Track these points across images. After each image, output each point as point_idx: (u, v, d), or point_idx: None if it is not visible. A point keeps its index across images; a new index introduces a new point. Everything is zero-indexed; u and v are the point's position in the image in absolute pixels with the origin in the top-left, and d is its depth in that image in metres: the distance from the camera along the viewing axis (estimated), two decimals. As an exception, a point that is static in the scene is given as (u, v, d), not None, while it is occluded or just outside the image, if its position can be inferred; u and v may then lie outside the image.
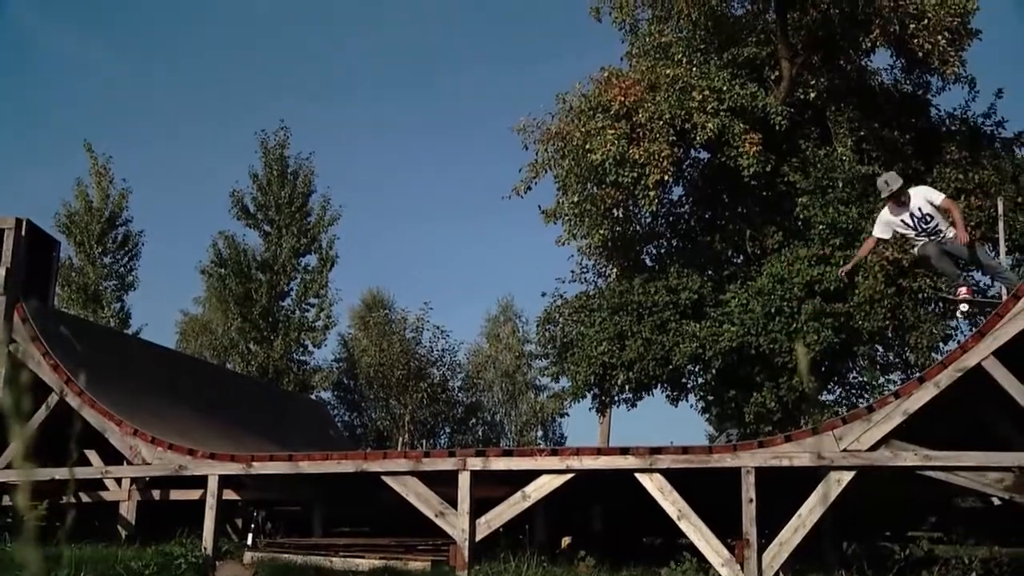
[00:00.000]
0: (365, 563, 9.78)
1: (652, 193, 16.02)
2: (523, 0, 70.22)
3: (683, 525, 9.12)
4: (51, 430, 10.49)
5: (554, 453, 9.97)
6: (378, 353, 34.72)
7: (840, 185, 16.34)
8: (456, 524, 9.67)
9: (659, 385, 18.05)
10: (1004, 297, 9.77)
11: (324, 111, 68.42)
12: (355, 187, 65.15)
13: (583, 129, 16.31)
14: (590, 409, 19.42)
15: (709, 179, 18.64)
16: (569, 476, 9.56)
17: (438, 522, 9.82)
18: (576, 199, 17.28)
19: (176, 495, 12.43)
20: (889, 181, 9.94)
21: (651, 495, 9.29)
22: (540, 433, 41.27)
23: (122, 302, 32.24)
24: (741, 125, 15.84)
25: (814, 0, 16.96)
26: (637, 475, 9.34)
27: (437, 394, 36.02)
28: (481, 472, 9.88)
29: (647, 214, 18.90)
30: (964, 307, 10.42)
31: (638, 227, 19.33)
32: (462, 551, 9.53)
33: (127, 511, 12.72)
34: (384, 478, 10.16)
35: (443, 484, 9.90)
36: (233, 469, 10.82)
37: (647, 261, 19.55)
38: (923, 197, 9.79)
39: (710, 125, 15.64)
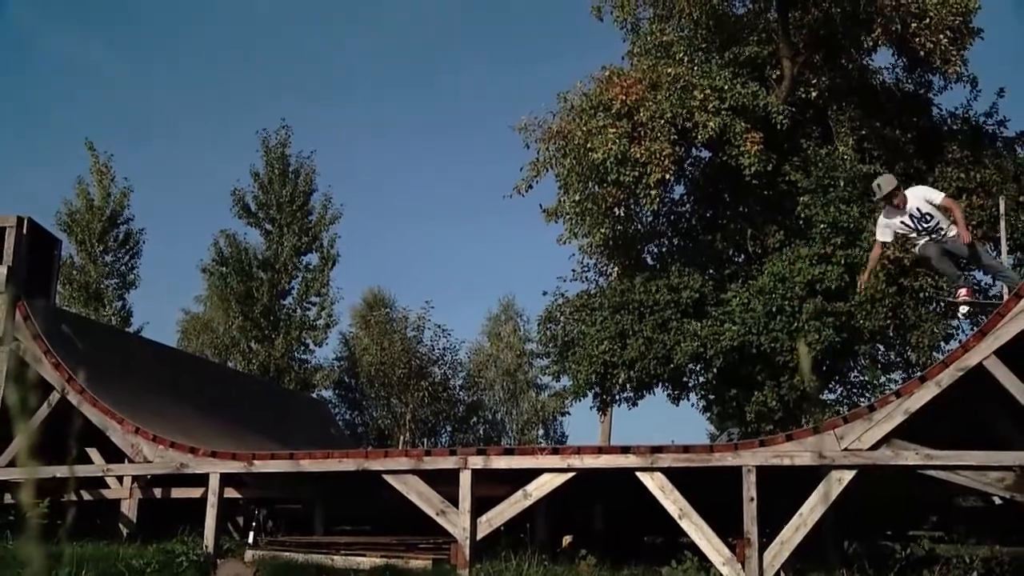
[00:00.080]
0: (366, 561, 9.78)
1: (653, 192, 16.02)
2: (523, 0, 70.34)
3: (684, 524, 9.13)
4: (52, 428, 10.49)
5: (555, 452, 9.97)
6: (379, 352, 34.73)
7: (841, 184, 16.33)
8: (457, 523, 9.67)
9: (660, 384, 18.05)
10: (1005, 297, 9.76)
11: (324, 111, 68.54)
12: (355, 187, 65.34)
13: (584, 128, 16.31)
14: (591, 408, 19.44)
15: (710, 178, 18.64)
16: (570, 475, 9.56)
17: (439, 521, 9.82)
18: (577, 198, 17.28)
19: (177, 493, 12.44)
20: (881, 184, 9.97)
21: (652, 494, 9.29)
22: (541, 432, 41.28)
23: (123, 300, 32.28)
24: (742, 124, 15.83)
25: (815, -1, 16.97)
26: (638, 474, 9.34)
27: (438, 393, 36.04)
28: (482, 471, 9.89)
29: (648, 213, 18.91)
30: (964, 308, 10.43)
31: (639, 226, 19.33)
32: (463, 549, 9.54)
33: (128, 509, 12.74)
34: (385, 477, 10.16)
35: (444, 483, 9.91)
36: (234, 467, 10.83)
37: (648, 260, 19.55)
38: (921, 197, 9.78)
39: (711, 124, 15.63)
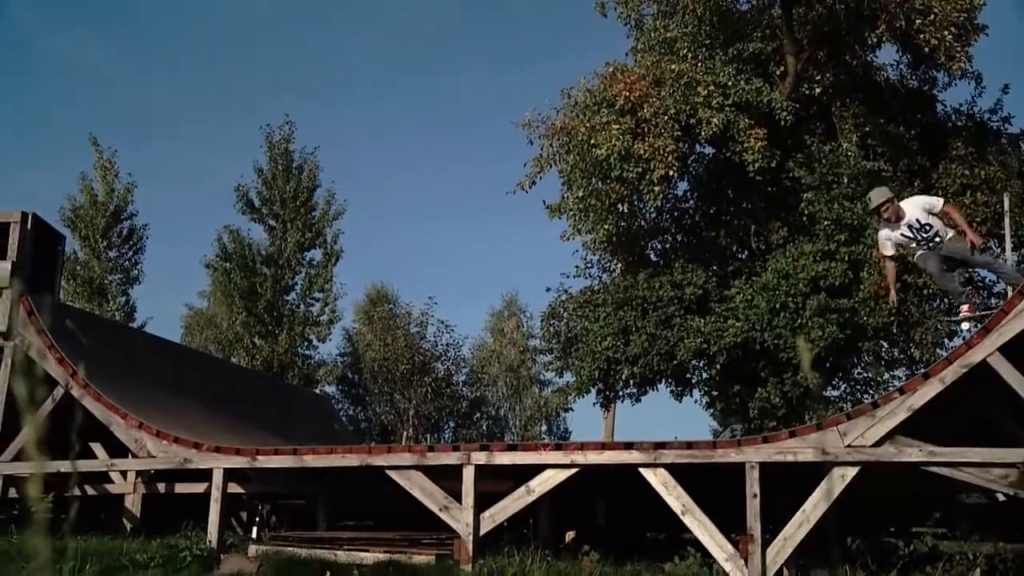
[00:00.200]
0: (370, 557, 9.79)
1: (657, 188, 16.01)
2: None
3: (687, 520, 9.13)
4: (56, 423, 10.51)
5: (558, 448, 9.97)
6: (382, 347, 34.77)
7: (845, 181, 16.32)
8: (460, 518, 9.68)
9: (663, 380, 18.06)
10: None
11: (324, 111, 68.62)
12: (356, 187, 65.55)
13: (588, 124, 16.31)
14: (594, 404, 19.46)
15: (714, 174, 18.63)
16: (573, 471, 9.56)
17: (442, 516, 9.83)
18: (581, 194, 17.27)
19: (181, 488, 12.46)
20: (872, 197, 10.04)
21: (655, 490, 9.29)
22: (544, 428, 41.33)
23: (127, 296, 32.34)
24: (746, 120, 15.82)
25: (820, -5, 16.94)
26: (641, 470, 9.34)
27: (441, 388, 36.08)
28: (485, 466, 9.89)
29: (652, 209, 18.91)
30: (966, 325, 10.39)
31: (643, 222, 19.32)
32: (466, 545, 9.55)
33: (132, 504, 12.75)
34: (388, 472, 10.17)
35: (447, 478, 9.91)
36: (238, 463, 10.84)
37: (652, 256, 19.55)
38: (919, 207, 9.77)
39: (715, 120, 15.62)
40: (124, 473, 12.71)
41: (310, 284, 32.54)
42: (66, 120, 65.85)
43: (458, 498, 9.77)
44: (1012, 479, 8.68)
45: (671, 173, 16.13)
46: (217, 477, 10.78)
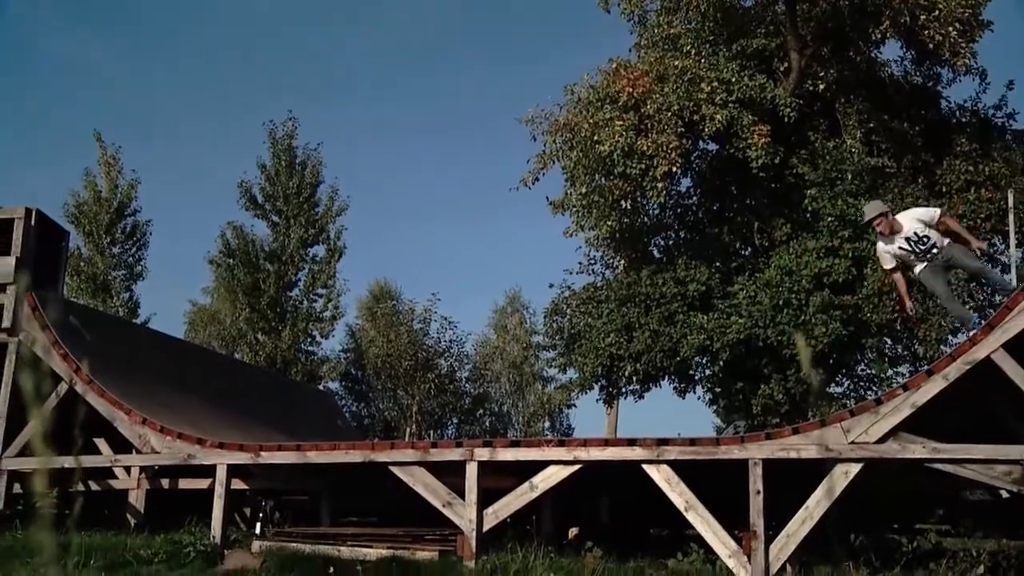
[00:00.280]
0: (373, 552, 9.81)
1: (660, 185, 15.98)
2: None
3: (690, 516, 9.13)
4: (61, 419, 10.53)
5: (561, 444, 9.98)
6: (386, 344, 34.80)
7: (849, 177, 16.29)
8: (463, 514, 9.69)
9: (666, 377, 18.04)
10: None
11: (324, 111, 68.68)
12: (357, 185, 65.59)
13: (591, 120, 16.27)
14: (597, 400, 19.44)
15: (717, 171, 18.60)
16: (576, 467, 9.57)
17: (445, 512, 9.85)
18: (584, 190, 17.25)
19: (185, 484, 12.49)
20: (865, 211, 10.13)
21: (658, 486, 9.29)
22: (547, 424, 41.34)
23: (131, 292, 32.38)
24: (750, 117, 15.78)
25: (824, -9, 16.89)
26: (644, 466, 9.34)
27: (444, 385, 36.11)
28: (488, 463, 9.90)
29: (655, 206, 18.88)
30: None
31: (646, 219, 19.30)
32: (469, 541, 9.56)
33: (136, 499, 12.79)
34: (392, 468, 10.19)
35: (450, 474, 9.93)
36: (241, 458, 10.86)
37: (655, 253, 19.52)
38: (916, 219, 9.80)
39: (718, 117, 15.59)
40: (128, 469, 12.76)
41: (313, 280, 32.57)
42: (66, 120, 66.04)
43: (461, 494, 9.78)
44: (1016, 476, 8.68)
45: (674, 169, 16.09)
46: (221, 473, 10.80)
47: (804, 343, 8.62)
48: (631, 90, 16.08)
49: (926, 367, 9.57)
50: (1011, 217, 13.64)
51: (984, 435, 8.91)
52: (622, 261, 19.38)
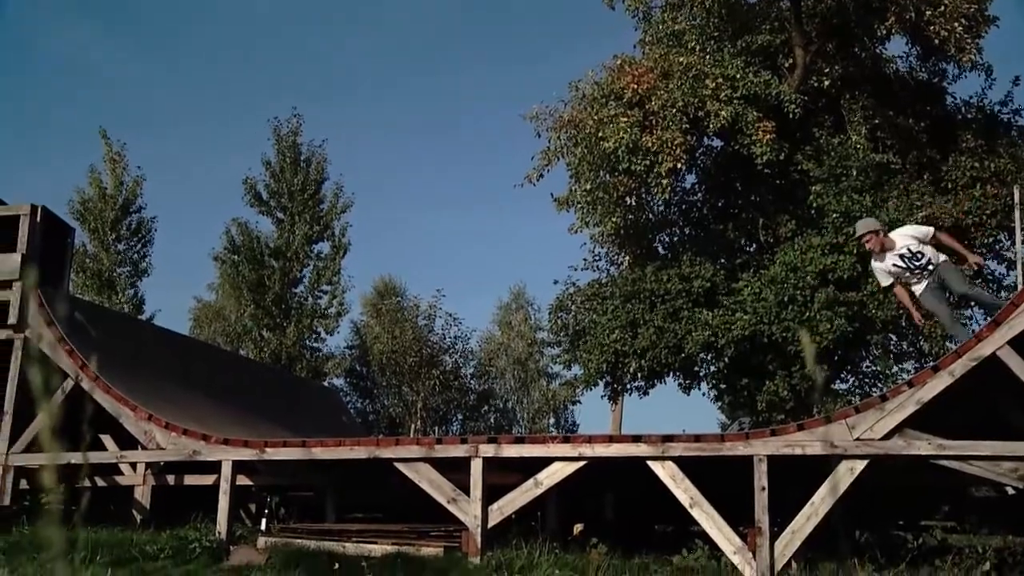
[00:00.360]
0: (378, 548, 9.81)
1: (665, 181, 15.98)
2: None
3: (695, 513, 9.13)
4: (66, 415, 10.56)
5: (566, 440, 9.98)
6: (390, 340, 34.81)
7: (854, 173, 16.27)
8: (468, 510, 9.70)
9: (671, 373, 18.04)
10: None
11: (325, 110, 68.73)
12: (361, 183, 65.52)
13: (596, 117, 16.27)
14: (602, 397, 19.45)
15: (722, 167, 18.59)
16: (581, 463, 9.57)
17: (450, 508, 9.85)
18: (589, 187, 17.25)
19: (190, 480, 12.52)
20: (856, 228, 10.18)
21: (663, 483, 9.29)
22: (552, 420, 41.33)
23: (135, 288, 32.44)
24: (754, 113, 15.77)
25: (829, -13, 16.87)
26: (649, 463, 9.34)
27: (449, 381, 36.12)
28: (493, 459, 9.90)
29: (660, 202, 18.87)
30: None
31: (651, 215, 19.29)
32: (474, 537, 9.56)
33: (142, 495, 12.83)
34: (396, 464, 10.19)
35: (455, 471, 9.93)
36: (246, 455, 10.87)
37: (660, 249, 19.52)
38: (909, 236, 9.85)
39: (723, 113, 15.58)
40: (134, 465, 12.79)
41: (318, 277, 32.60)
42: (66, 118, 66.10)
43: (466, 490, 9.78)
44: (1022, 472, 8.66)
45: (679, 166, 16.09)
46: (226, 469, 10.81)
47: (809, 339, 8.58)
48: (636, 86, 16.08)
49: (932, 363, 9.55)
50: (1016, 213, 13.62)
51: (990, 431, 8.90)
52: (627, 257, 19.37)
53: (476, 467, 9.81)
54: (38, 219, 12.42)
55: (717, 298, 16.72)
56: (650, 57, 17.31)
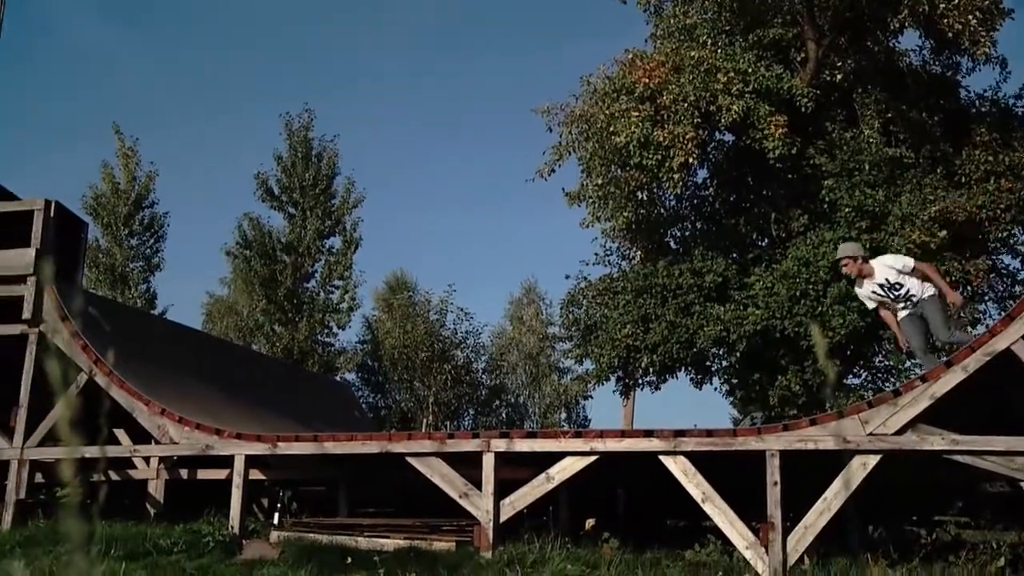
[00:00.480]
0: (390, 543, 9.84)
1: (676, 176, 15.92)
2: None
3: (707, 508, 9.12)
4: (80, 409, 10.59)
5: (578, 435, 9.99)
6: (402, 335, 34.86)
7: (867, 168, 16.19)
8: (480, 505, 9.72)
9: (683, 368, 18.01)
10: None
11: (332, 107, 68.85)
12: (373, 177, 65.57)
13: (607, 111, 16.23)
14: (614, 392, 19.42)
15: (734, 161, 18.52)
16: (593, 458, 9.57)
17: (462, 503, 9.87)
18: (600, 181, 17.22)
19: (203, 474, 12.58)
20: (839, 250, 10.35)
21: (675, 478, 9.29)
22: (564, 415, 41.33)
23: (148, 283, 32.57)
24: (766, 107, 15.71)
25: (842, -20, 16.77)
26: (661, 457, 9.34)
27: (461, 376, 36.16)
28: (505, 454, 9.92)
29: (671, 197, 18.81)
30: None
31: (662, 210, 19.24)
32: (486, 532, 9.58)
33: (155, 489, 12.90)
34: (409, 459, 10.21)
35: (467, 465, 9.94)
36: (259, 449, 10.91)
37: (671, 244, 19.47)
38: (887, 266, 9.89)
39: (735, 107, 15.52)
40: (147, 459, 12.87)
41: (330, 272, 32.65)
42: (67, 112, 66.35)
43: (478, 485, 9.80)
44: (1036, 468, 8.62)
45: (691, 160, 16.03)
46: (239, 463, 10.86)
47: (821, 334, 8.58)
48: (647, 81, 16.03)
49: (945, 358, 9.51)
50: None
51: (1004, 427, 8.86)
52: (638, 252, 19.33)
53: (488, 462, 9.82)
54: (52, 214, 12.48)
55: (729, 293, 16.68)
56: (661, 51, 17.25)
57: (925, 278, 9.74)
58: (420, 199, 71.63)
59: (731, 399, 23.26)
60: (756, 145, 15.94)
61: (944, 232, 15.51)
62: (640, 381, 18.75)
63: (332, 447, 10.70)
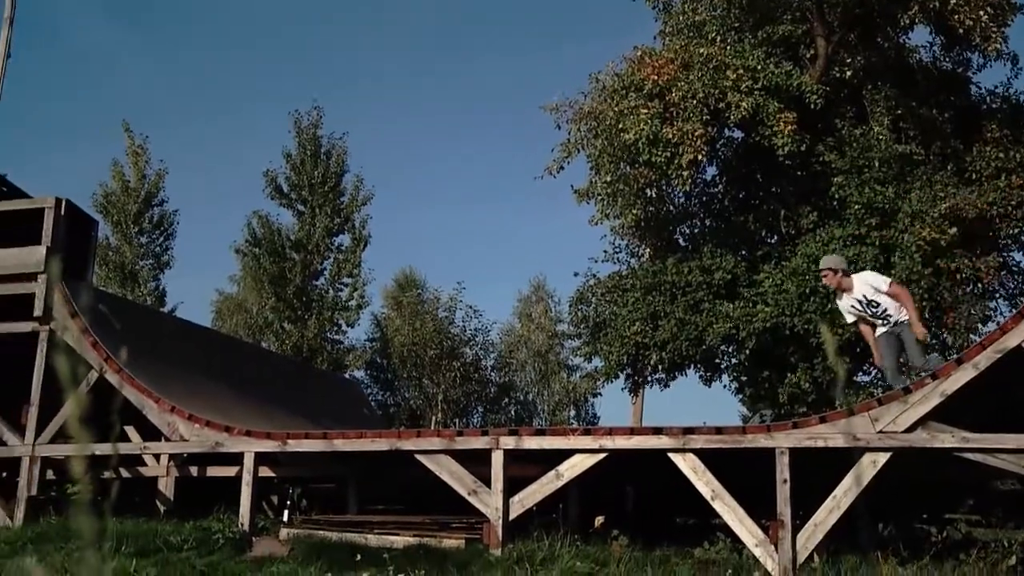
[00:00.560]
0: (400, 540, 9.85)
1: (685, 173, 15.89)
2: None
3: (717, 505, 9.11)
4: (90, 406, 10.62)
5: (587, 433, 9.98)
6: (411, 332, 34.90)
7: (876, 164, 16.14)
8: (489, 502, 9.72)
9: (692, 365, 17.99)
10: None
11: (331, 107, 68.84)
12: (381, 175, 65.55)
13: (616, 108, 16.21)
14: (623, 389, 19.40)
15: (743, 158, 18.48)
16: (602, 456, 9.57)
17: (471, 500, 9.87)
18: (609, 179, 17.20)
19: (213, 471, 12.61)
20: (822, 261, 10.51)
21: (684, 475, 9.27)
22: (572, 413, 41.33)
23: (158, 281, 32.68)
24: (776, 104, 15.66)
25: (852, -24, 16.71)
26: (670, 455, 9.32)
27: (470, 373, 36.19)
28: (514, 451, 9.92)
29: (680, 194, 18.80)
30: None
31: (671, 207, 19.22)
32: (496, 529, 9.58)
33: (165, 486, 12.94)
34: (418, 456, 10.22)
35: (476, 463, 9.95)
36: (269, 446, 10.93)
37: (680, 241, 19.45)
38: (866, 283, 9.93)
39: (744, 104, 15.47)
40: (157, 456, 12.90)
41: (339, 269, 32.69)
42: (68, 111, 66.55)
43: (487, 482, 9.80)
44: (1047, 465, 8.58)
45: (700, 157, 16.00)
46: (248, 461, 10.88)
47: (830, 332, 8.57)
48: (656, 78, 16.00)
49: (956, 356, 9.47)
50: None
51: (1015, 424, 8.82)
52: (647, 249, 19.32)
53: (497, 459, 9.82)
54: (62, 212, 12.53)
55: (738, 290, 16.65)
56: (670, 48, 17.21)
57: (899, 301, 9.76)
58: (420, 199, 71.68)
59: (740, 397, 23.25)
60: (765, 142, 15.90)
61: (954, 229, 15.45)
62: (649, 378, 18.74)
63: (341, 444, 10.72)
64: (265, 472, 11.80)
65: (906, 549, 8.99)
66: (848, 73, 17.29)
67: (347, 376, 31.92)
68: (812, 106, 16.16)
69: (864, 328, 10.16)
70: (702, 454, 9.24)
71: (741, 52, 16.58)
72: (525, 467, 10.19)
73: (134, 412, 11.73)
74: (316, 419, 15.79)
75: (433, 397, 35.82)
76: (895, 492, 10.81)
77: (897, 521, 11.49)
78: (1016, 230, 16.74)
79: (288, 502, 13.64)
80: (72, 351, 11.65)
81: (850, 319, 10.28)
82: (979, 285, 16.46)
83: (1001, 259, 17.16)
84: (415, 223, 68.87)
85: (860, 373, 17.65)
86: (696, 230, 19.65)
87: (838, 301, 10.32)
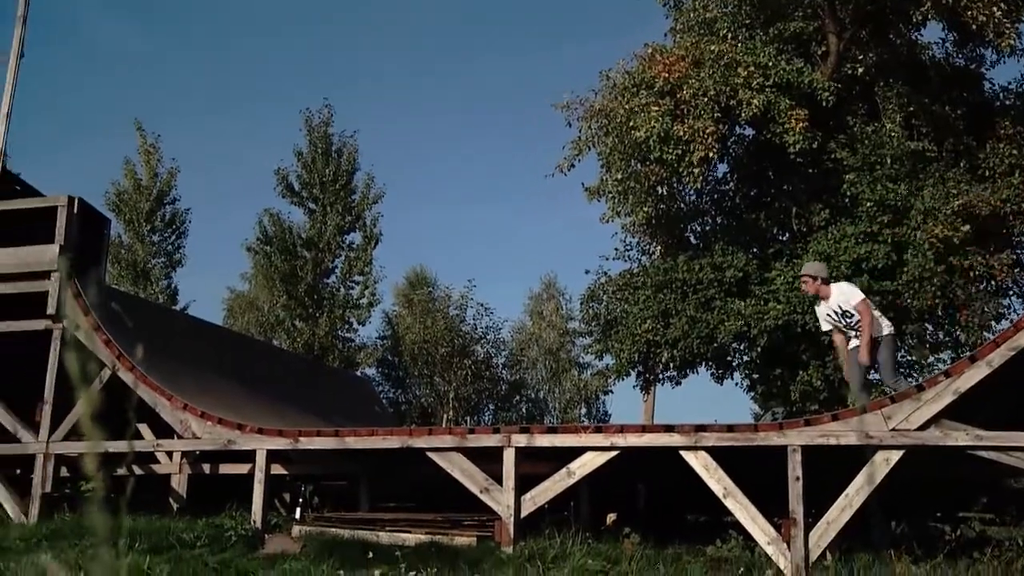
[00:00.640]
0: (411, 538, 9.86)
1: (697, 170, 15.87)
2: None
3: (729, 503, 9.09)
4: (103, 404, 10.66)
5: (598, 430, 9.97)
6: (422, 330, 34.92)
7: (888, 162, 16.09)
8: (501, 500, 9.72)
9: (704, 363, 17.97)
10: None
11: (346, 104, 68.92)
12: (392, 173, 65.60)
13: (627, 106, 16.18)
14: (634, 387, 19.41)
15: (754, 156, 18.44)
16: (614, 453, 9.55)
17: (483, 498, 9.87)
18: (620, 176, 17.19)
19: (225, 469, 12.64)
20: (804, 267, 10.53)
21: (696, 473, 9.25)
22: (584, 411, 41.30)
23: (170, 279, 32.80)
24: (787, 101, 15.62)
25: (863, -28, 16.64)
26: (682, 453, 9.31)
27: (481, 371, 36.20)
28: (526, 449, 9.91)
29: (691, 191, 18.78)
30: None
31: (682, 204, 19.19)
32: (507, 527, 9.58)
33: (178, 484, 12.98)
34: (429, 454, 10.23)
35: (488, 460, 9.94)
36: (281, 444, 10.95)
37: (692, 238, 19.42)
38: (842, 293, 10.01)
39: (755, 101, 15.44)
40: (170, 453, 12.94)
41: (350, 267, 32.74)
42: (71, 108, 66.79)
43: (499, 480, 9.80)
44: (1061, 464, 8.53)
45: (711, 155, 15.97)
46: (260, 458, 10.91)
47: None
48: (667, 75, 15.98)
49: (969, 353, 9.43)
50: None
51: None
52: (658, 247, 19.30)
53: (508, 457, 9.82)
54: (75, 210, 12.58)
55: (750, 288, 16.62)
56: (681, 45, 17.18)
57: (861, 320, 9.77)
58: (420, 199, 71.70)
59: (752, 394, 23.18)
60: (777, 139, 15.86)
61: (967, 226, 15.38)
62: (660, 376, 18.72)
63: (353, 442, 10.73)
64: (277, 470, 11.83)
65: (919, 547, 8.95)
66: (860, 70, 17.23)
67: (358, 374, 31.97)
68: (824, 103, 16.12)
69: (838, 338, 10.27)
70: (714, 452, 9.22)
71: (752, 49, 16.54)
72: (536, 465, 10.19)
73: (147, 410, 11.76)
74: (327, 417, 15.82)
75: (444, 395, 35.85)
76: (908, 490, 10.77)
77: (910, 519, 11.45)
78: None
79: (300, 499, 13.68)
80: (85, 349, 11.69)
81: (825, 327, 10.36)
82: (992, 282, 16.38)
83: (1015, 256, 17.08)
84: (415, 223, 68.87)
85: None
86: (707, 228, 19.62)
87: (817, 308, 10.41)
